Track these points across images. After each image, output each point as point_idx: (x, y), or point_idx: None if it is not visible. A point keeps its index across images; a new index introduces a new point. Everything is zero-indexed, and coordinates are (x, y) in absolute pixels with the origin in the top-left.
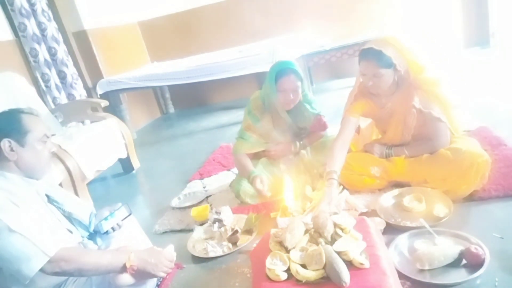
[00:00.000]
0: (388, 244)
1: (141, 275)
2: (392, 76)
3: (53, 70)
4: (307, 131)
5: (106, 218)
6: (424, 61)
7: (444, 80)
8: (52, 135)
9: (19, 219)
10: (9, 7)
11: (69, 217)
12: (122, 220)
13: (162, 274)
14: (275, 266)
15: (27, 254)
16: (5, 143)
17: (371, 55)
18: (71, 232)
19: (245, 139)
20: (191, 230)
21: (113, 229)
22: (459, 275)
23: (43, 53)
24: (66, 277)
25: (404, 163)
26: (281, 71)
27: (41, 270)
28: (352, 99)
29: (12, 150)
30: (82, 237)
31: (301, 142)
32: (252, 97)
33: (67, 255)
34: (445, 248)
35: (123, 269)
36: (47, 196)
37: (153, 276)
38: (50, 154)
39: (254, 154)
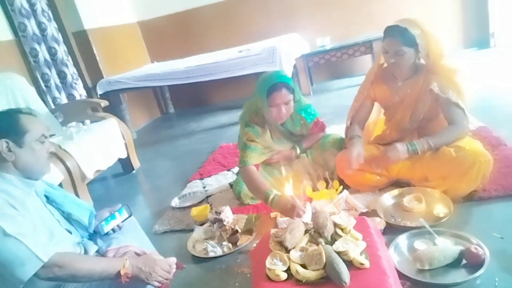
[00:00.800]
0: (388, 244)
1: (135, 282)
2: (413, 57)
3: (53, 70)
4: (304, 135)
5: (106, 220)
6: (445, 49)
7: (462, 70)
8: (52, 135)
9: (15, 223)
10: (9, 7)
11: (68, 218)
12: (122, 221)
13: (156, 284)
14: (275, 266)
15: (21, 258)
16: (3, 143)
17: (396, 32)
18: (70, 232)
19: (251, 150)
20: (191, 230)
21: (113, 230)
22: (459, 275)
23: (43, 53)
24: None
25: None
26: (272, 86)
27: (35, 275)
28: (368, 82)
29: (10, 150)
30: (82, 237)
31: (302, 147)
32: (245, 108)
33: (61, 261)
34: (445, 248)
35: (117, 276)
36: (46, 196)
37: (147, 284)
38: (49, 154)
39: None
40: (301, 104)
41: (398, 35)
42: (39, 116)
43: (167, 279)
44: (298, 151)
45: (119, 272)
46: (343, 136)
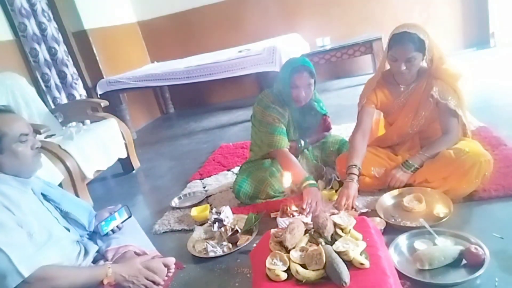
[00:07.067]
0: (388, 244)
1: None
2: (420, 62)
3: (53, 70)
4: (312, 130)
5: (106, 220)
6: (444, 52)
7: (464, 75)
8: (52, 135)
9: (3, 232)
10: (9, 7)
11: (65, 217)
12: (122, 222)
13: None
14: (275, 266)
15: (2, 271)
16: None
17: (406, 39)
18: (68, 230)
19: (279, 133)
20: (191, 230)
21: (112, 231)
22: (459, 275)
23: (43, 53)
24: None
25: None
26: (295, 67)
27: None
28: (370, 89)
29: None
30: (81, 236)
31: (306, 140)
32: (261, 95)
33: (42, 275)
34: (445, 248)
35: (101, 284)
36: (43, 194)
37: None
38: (36, 150)
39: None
40: (316, 97)
41: (409, 41)
42: (16, 112)
43: (159, 284)
44: (302, 144)
45: (102, 281)
46: (344, 137)
